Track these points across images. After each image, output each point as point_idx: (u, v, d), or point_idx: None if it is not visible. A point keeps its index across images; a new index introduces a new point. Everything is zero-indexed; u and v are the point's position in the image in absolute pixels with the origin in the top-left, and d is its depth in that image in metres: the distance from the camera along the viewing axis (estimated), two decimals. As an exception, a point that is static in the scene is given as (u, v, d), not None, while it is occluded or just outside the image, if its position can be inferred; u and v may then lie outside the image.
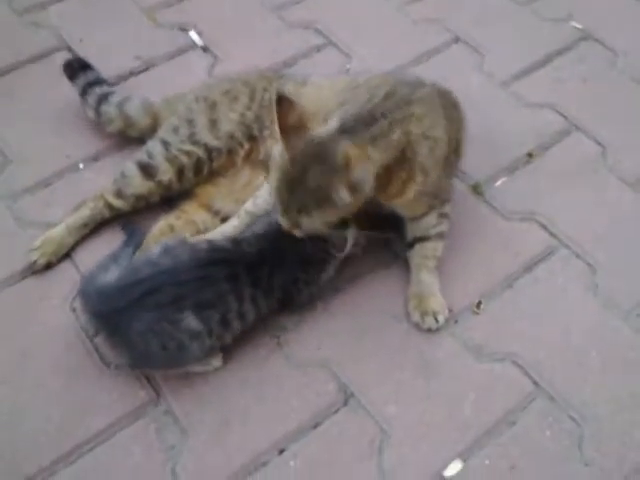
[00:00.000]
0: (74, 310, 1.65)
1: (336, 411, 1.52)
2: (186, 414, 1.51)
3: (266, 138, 1.76)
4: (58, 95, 2.06)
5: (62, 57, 2.16)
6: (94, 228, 1.78)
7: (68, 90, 1.99)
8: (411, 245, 1.70)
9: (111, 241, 1.74)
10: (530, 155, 1.98)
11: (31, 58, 2.21)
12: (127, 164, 1.79)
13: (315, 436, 1.48)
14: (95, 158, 1.96)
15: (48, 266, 1.72)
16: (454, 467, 1.45)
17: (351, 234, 1.62)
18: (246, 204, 1.69)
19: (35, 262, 1.71)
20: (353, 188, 1.38)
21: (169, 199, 1.80)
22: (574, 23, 2.33)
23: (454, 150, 1.65)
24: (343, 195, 1.38)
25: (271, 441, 1.47)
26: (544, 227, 1.82)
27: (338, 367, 1.58)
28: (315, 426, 1.50)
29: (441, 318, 1.62)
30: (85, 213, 1.77)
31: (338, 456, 1.46)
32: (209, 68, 2.19)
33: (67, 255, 1.75)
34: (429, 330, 1.62)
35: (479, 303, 1.68)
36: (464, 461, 1.45)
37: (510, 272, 1.73)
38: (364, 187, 1.40)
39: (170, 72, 2.18)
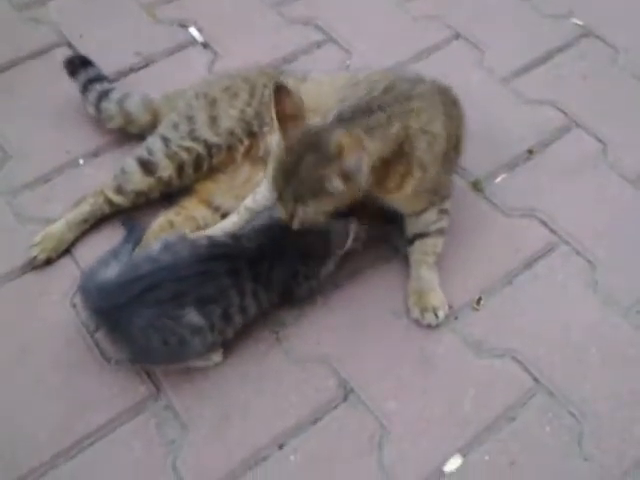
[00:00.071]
0: (74, 306, 1.65)
1: (336, 406, 1.52)
2: (186, 409, 1.51)
3: (266, 134, 1.76)
4: (58, 91, 2.06)
5: (62, 53, 2.17)
6: (94, 224, 1.78)
7: (68, 86, 1.99)
8: (411, 241, 1.70)
9: (111, 237, 1.74)
10: (530, 152, 1.98)
11: (31, 54, 2.20)
12: (127, 160, 1.79)
13: (315, 431, 1.49)
14: (95, 154, 1.96)
15: (48, 262, 1.72)
16: (454, 462, 1.45)
17: (352, 230, 1.63)
18: (246, 200, 1.69)
19: (35, 258, 1.71)
20: (346, 177, 1.39)
21: (169, 195, 1.80)
22: (575, 19, 2.33)
23: (454, 147, 1.65)
24: (336, 184, 1.39)
25: (271, 436, 1.48)
26: (544, 224, 1.82)
27: (338, 363, 1.58)
28: (315, 421, 1.50)
29: (441, 314, 1.62)
30: (85, 209, 1.77)
31: (338, 451, 1.46)
32: (209, 64, 2.19)
33: (67, 251, 1.75)
34: (429, 326, 1.63)
35: (479, 299, 1.68)
36: (464, 456, 1.46)
37: (510, 268, 1.73)
38: (358, 176, 1.40)
39: (170, 68, 2.18)
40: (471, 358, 1.59)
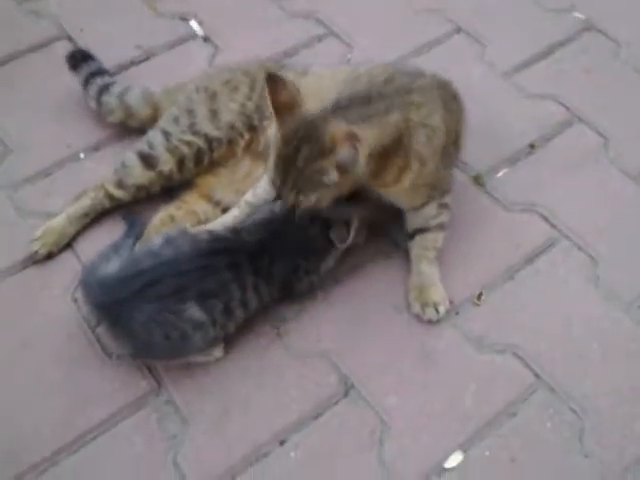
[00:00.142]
0: (75, 300, 1.65)
1: (336, 402, 1.52)
2: (187, 404, 1.51)
3: (266, 128, 1.75)
4: (59, 85, 2.05)
5: (62, 46, 2.17)
6: (95, 218, 1.78)
7: (69, 80, 1.98)
8: (411, 236, 1.69)
9: (112, 231, 1.74)
10: (532, 146, 1.97)
11: (31, 47, 2.20)
12: (128, 154, 1.78)
13: (316, 427, 1.49)
14: (96, 148, 1.95)
15: (49, 256, 1.72)
16: (455, 458, 1.45)
17: (353, 225, 1.62)
18: (246, 195, 1.69)
19: (36, 252, 1.71)
20: (342, 168, 1.39)
21: (170, 189, 1.79)
22: (577, 14, 2.32)
23: (453, 142, 1.64)
24: (333, 176, 1.39)
25: (272, 432, 1.48)
26: (545, 218, 1.81)
27: (338, 358, 1.58)
28: (316, 417, 1.50)
29: (442, 309, 1.62)
30: (86, 203, 1.76)
31: (339, 447, 1.46)
32: (210, 58, 2.19)
33: (68, 245, 1.75)
34: (430, 321, 1.63)
35: (480, 294, 1.68)
36: (464, 452, 1.46)
37: (511, 263, 1.73)
38: (354, 167, 1.40)
39: (171, 62, 2.18)
40: (472, 353, 1.59)
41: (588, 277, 1.71)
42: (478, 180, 1.89)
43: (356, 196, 1.55)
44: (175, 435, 1.47)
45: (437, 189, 1.63)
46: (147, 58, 2.19)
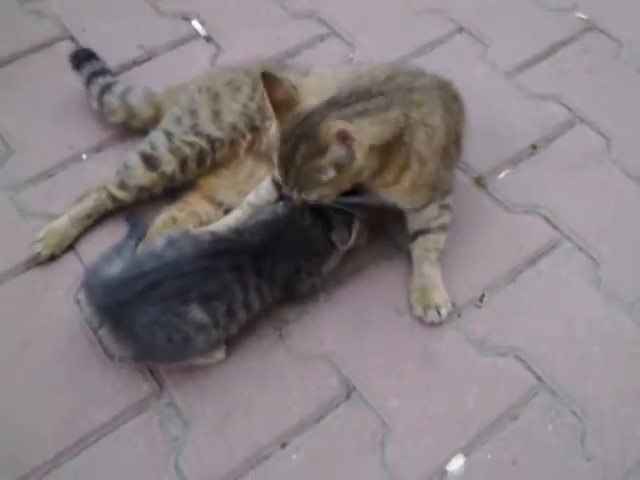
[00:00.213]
0: (78, 302, 1.65)
1: (338, 405, 1.52)
2: (188, 406, 1.51)
3: (268, 129, 1.75)
4: (61, 85, 2.05)
5: (64, 46, 2.17)
6: (97, 219, 1.78)
7: (71, 80, 1.98)
8: (413, 238, 1.69)
9: (114, 232, 1.74)
10: (534, 147, 1.97)
11: (33, 47, 2.20)
12: (130, 155, 1.78)
13: (317, 430, 1.49)
14: (98, 149, 1.95)
15: (52, 258, 1.72)
16: (456, 461, 1.45)
17: (355, 227, 1.62)
18: (248, 196, 1.69)
19: (39, 254, 1.71)
20: (338, 166, 1.40)
21: (172, 190, 1.79)
22: (579, 13, 2.31)
23: (453, 142, 1.63)
24: (331, 174, 1.40)
25: (273, 435, 1.48)
26: (547, 220, 1.81)
27: (340, 360, 1.58)
28: (317, 420, 1.50)
29: (444, 311, 1.62)
30: (88, 204, 1.76)
31: (340, 450, 1.46)
32: (212, 58, 2.18)
33: (70, 246, 1.75)
34: (432, 323, 1.62)
35: (482, 296, 1.68)
36: (466, 455, 1.46)
37: (513, 265, 1.73)
38: (351, 164, 1.40)
39: (173, 61, 2.18)
40: (474, 356, 1.59)
41: (590, 279, 1.71)
42: (480, 181, 1.89)
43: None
44: (177, 437, 1.48)
45: (438, 190, 1.63)
46: (149, 58, 2.19)
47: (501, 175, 1.91)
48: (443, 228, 1.68)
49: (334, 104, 1.43)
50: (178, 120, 1.78)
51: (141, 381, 1.54)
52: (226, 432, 1.48)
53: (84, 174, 1.89)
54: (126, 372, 1.55)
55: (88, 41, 2.15)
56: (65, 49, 2.12)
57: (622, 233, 1.79)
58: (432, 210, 1.65)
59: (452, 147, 1.63)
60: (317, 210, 1.57)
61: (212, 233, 1.59)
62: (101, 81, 1.94)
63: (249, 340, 1.60)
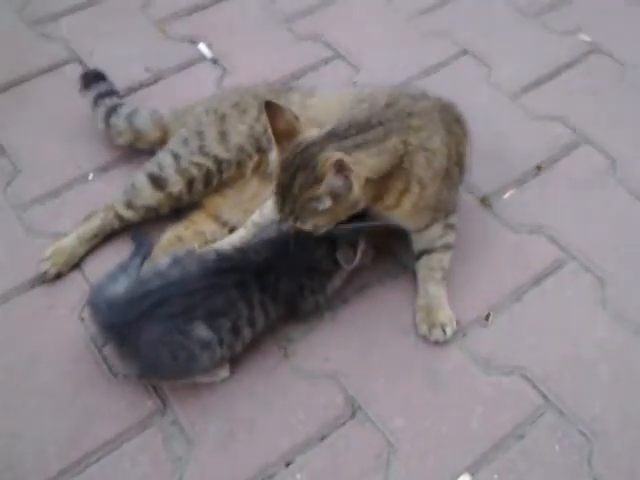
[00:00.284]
0: (83, 320, 1.65)
1: (343, 423, 1.51)
2: (192, 424, 1.50)
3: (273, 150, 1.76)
4: (68, 106, 2.07)
5: (73, 69, 2.20)
6: (104, 238, 1.79)
7: (78, 101, 2.00)
8: (418, 257, 1.70)
9: (120, 251, 1.75)
10: (539, 168, 1.97)
11: (42, 70, 2.23)
12: (137, 175, 1.79)
13: (322, 449, 1.48)
14: (105, 169, 1.97)
15: (58, 276, 1.73)
16: (463, 481, 1.44)
17: (360, 247, 1.63)
18: (253, 215, 1.70)
19: (46, 272, 1.72)
20: (335, 196, 1.40)
21: (177, 210, 1.80)
22: (583, 36, 2.33)
23: (456, 163, 1.63)
24: (327, 203, 1.41)
25: (278, 453, 1.47)
26: (553, 240, 1.81)
27: (345, 379, 1.57)
28: (322, 438, 1.49)
29: (449, 330, 1.62)
30: (95, 223, 1.77)
31: (345, 469, 1.45)
32: (218, 80, 2.21)
33: (76, 264, 1.75)
34: (437, 343, 1.62)
35: (488, 316, 1.68)
36: (472, 475, 1.44)
37: (519, 285, 1.73)
38: (347, 195, 1.41)
39: (179, 84, 2.20)
40: (479, 375, 1.58)
41: (596, 298, 1.70)
42: (485, 201, 1.89)
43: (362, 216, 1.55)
44: (181, 457, 1.47)
45: (440, 211, 1.63)
46: (156, 80, 2.21)
47: (506, 195, 1.91)
48: (448, 247, 1.68)
49: (333, 136, 1.44)
50: (185, 141, 1.80)
51: (145, 399, 1.54)
52: (230, 450, 1.47)
53: (91, 194, 1.90)
54: (130, 389, 1.55)
55: (96, 64, 2.18)
56: (73, 72, 2.15)
57: (628, 253, 1.79)
58: (436, 230, 1.65)
59: (454, 168, 1.63)
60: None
61: (217, 252, 1.59)
62: (108, 102, 1.96)
63: (254, 358, 1.60)
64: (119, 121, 1.93)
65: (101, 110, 1.95)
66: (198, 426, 1.50)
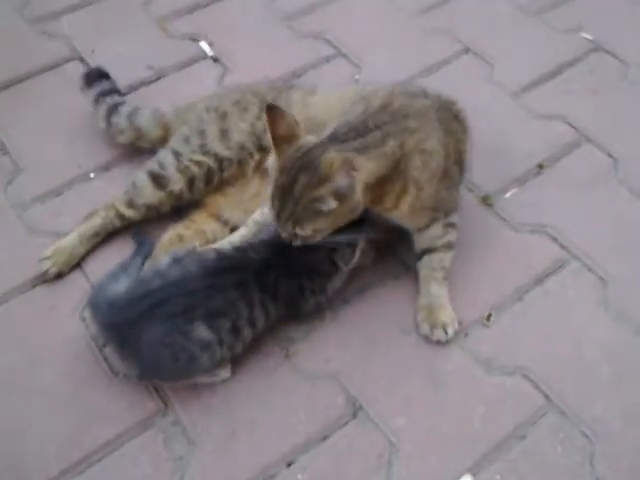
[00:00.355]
0: (83, 319, 1.65)
1: (345, 424, 1.51)
2: (194, 424, 1.50)
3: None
4: (70, 105, 2.07)
5: (74, 67, 2.20)
6: (104, 237, 1.79)
7: (80, 100, 2.00)
8: (419, 257, 1.69)
9: (121, 250, 1.75)
10: (540, 166, 1.97)
11: (43, 68, 2.22)
12: (138, 174, 1.79)
13: (323, 449, 1.48)
14: (106, 168, 1.97)
15: (59, 275, 1.73)
16: (464, 481, 1.44)
17: (359, 247, 1.62)
18: (254, 214, 1.69)
19: (46, 271, 1.71)
20: (339, 197, 1.39)
21: (178, 208, 1.80)
22: (584, 34, 2.33)
23: (455, 162, 1.63)
24: (331, 204, 1.39)
25: (279, 453, 1.47)
26: (554, 239, 1.81)
27: (346, 379, 1.57)
28: (324, 439, 1.49)
29: (450, 331, 1.61)
30: (97, 222, 1.77)
31: (347, 469, 1.45)
32: (219, 78, 2.20)
33: (77, 264, 1.75)
34: (438, 343, 1.62)
35: (489, 316, 1.67)
36: (474, 476, 1.44)
37: (520, 284, 1.72)
38: (350, 196, 1.40)
39: (181, 82, 2.20)
40: (481, 375, 1.58)
41: (598, 298, 1.70)
42: (486, 201, 1.89)
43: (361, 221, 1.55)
44: (182, 457, 1.47)
45: (440, 210, 1.63)
46: (157, 78, 2.21)
47: (508, 194, 1.91)
48: (449, 246, 1.68)
49: (334, 139, 1.44)
50: (186, 140, 1.79)
51: (146, 399, 1.54)
52: (231, 451, 1.47)
53: (92, 193, 1.90)
54: (131, 390, 1.55)
55: (97, 62, 2.17)
56: (74, 70, 2.15)
57: (630, 252, 1.78)
58: (436, 229, 1.65)
59: (454, 167, 1.63)
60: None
61: (217, 251, 1.59)
62: (109, 101, 1.96)
63: (255, 359, 1.60)
64: (120, 119, 1.93)
65: (102, 108, 1.95)
66: (199, 426, 1.50)
